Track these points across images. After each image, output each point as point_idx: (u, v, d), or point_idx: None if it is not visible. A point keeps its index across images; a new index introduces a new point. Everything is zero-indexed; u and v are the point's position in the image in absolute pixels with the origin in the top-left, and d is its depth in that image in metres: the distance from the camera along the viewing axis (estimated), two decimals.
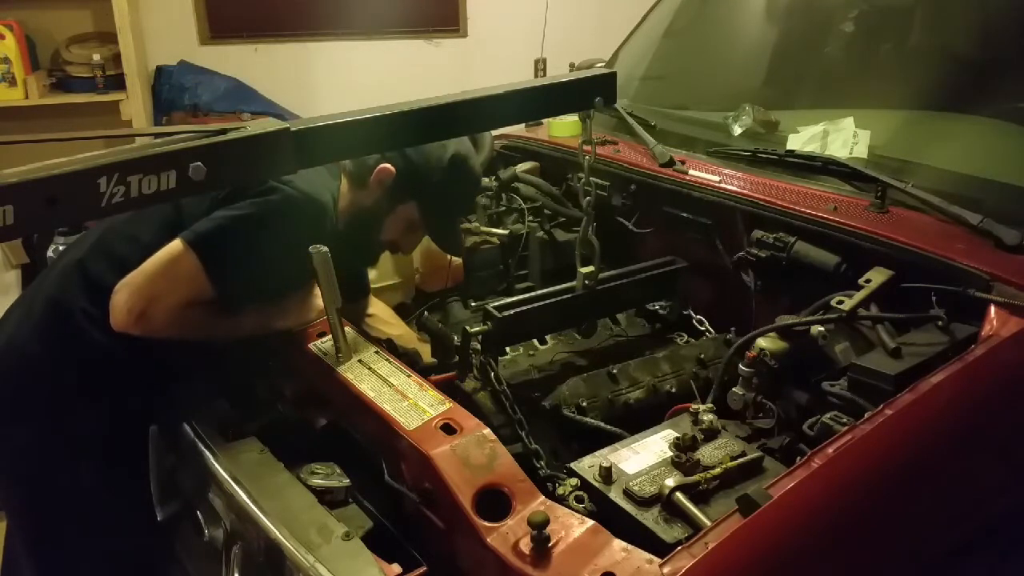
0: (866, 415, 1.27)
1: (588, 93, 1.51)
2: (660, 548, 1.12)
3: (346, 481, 1.39)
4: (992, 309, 1.42)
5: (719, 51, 2.59)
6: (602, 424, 1.57)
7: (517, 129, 2.57)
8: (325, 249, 1.46)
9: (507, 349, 1.74)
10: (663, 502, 1.22)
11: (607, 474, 1.28)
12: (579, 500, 1.26)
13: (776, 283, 1.81)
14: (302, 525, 1.28)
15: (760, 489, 1.12)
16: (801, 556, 1.12)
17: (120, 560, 1.75)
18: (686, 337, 1.90)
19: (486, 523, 1.17)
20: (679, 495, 1.21)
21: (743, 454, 1.31)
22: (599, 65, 2.57)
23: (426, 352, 1.87)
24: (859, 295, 1.53)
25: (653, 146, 2.14)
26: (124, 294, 1.52)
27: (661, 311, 1.95)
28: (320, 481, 1.39)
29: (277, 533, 1.28)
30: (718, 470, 1.26)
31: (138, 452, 1.70)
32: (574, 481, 1.30)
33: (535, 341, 1.79)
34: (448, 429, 1.32)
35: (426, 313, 2.06)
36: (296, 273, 1.59)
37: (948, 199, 1.65)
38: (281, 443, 1.51)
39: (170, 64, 4.01)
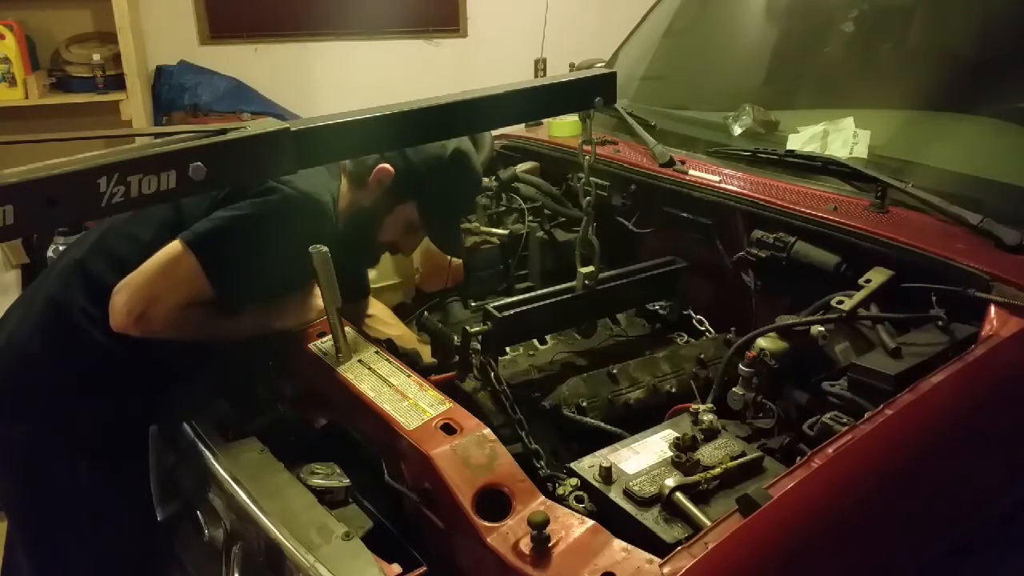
0: (866, 415, 1.27)
1: (588, 93, 1.51)
2: (660, 548, 1.12)
3: (346, 481, 1.39)
4: (992, 309, 1.42)
5: (719, 51, 2.59)
6: (602, 424, 1.57)
7: (517, 129, 2.57)
8: (325, 249, 1.46)
9: (507, 349, 1.74)
10: (663, 502, 1.22)
11: (607, 474, 1.28)
12: (579, 500, 1.26)
13: (776, 283, 1.81)
14: (302, 525, 1.28)
15: (760, 489, 1.12)
16: (801, 556, 1.12)
17: (120, 560, 1.75)
18: (686, 337, 1.90)
19: (486, 523, 1.17)
20: (679, 495, 1.21)
21: (743, 454, 1.31)
22: (599, 65, 2.57)
23: (425, 353, 1.87)
24: (859, 295, 1.53)
25: (653, 146, 2.14)
26: (123, 295, 1.52)
27: (661, 311, 1.95)
28: (320, 481, 1.39)
29: (277, 533, 1.28)
30: (718, 470, 1.26)
31: (138, 452, 1.70)
32: (574, 481, 1.30)
33: (535, 341, 1.79)
34: (448, 429, 1.32)
35: (426, 313, 2.06)
36: (296, 273, 1.59)
37: (948, 199, 1.65)
38: (281, 443, 1.51)
39: (170, 64, 4.01)
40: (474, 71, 4.39)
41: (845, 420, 1.33)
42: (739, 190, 1.88)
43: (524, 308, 1.66)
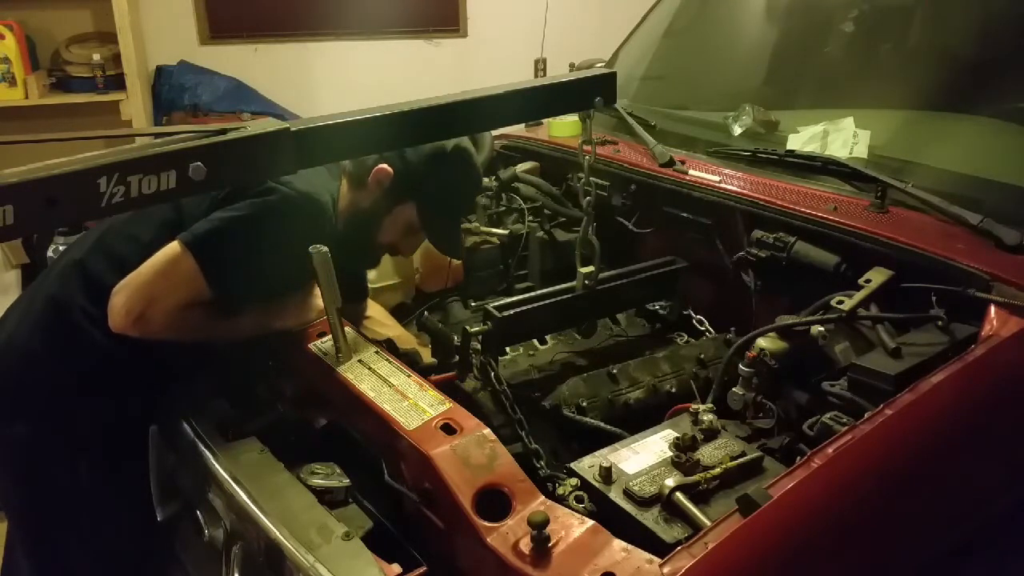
0: (866, 415, 1.27)
1: (588, 93, 1.51)
2: (660, 548, 1.12)
3: (346, 481, 1.39)
4: (992, 309, 1.42)
5: (719, 51, 2.59)
6: (602, 424, 1.57)
7: (517, 129, 2.57)
8: (325, 249, 1.46)
9: (507, 349, 1.74)
10: (663, 502, 1.22)
11: (607, 474, 1.28)
12: (579, 500, 1.26)
13: (776, 283, 1.81)
14: (302, 525, 1.28)
15: (760, 489, 1.12)
16: (801, 556, 1.12)
17: (120, 560, 1.75)
18: (686, 337, 1.90)
19: (486, 523, 1.17)
20: (679, 495, 1.21)
21: (743, 454, 1.31)
22: (599, 65, 2.57)
23: (423, 354, 1.87)
24: (859, 295, 1.53)
25: (653, 146, 2.14)
26: (122, 296, 1.52)
27: (661, 311, 1.95)
28: (320, 481, 1.39)
29: (277, 533, 1.28)
30: (718, 470, 1.26)
31: (138, 452, 1.70)
32: (574, 481, 1.30)
33: (535, 341, 1.79)
34: (448, 429, 1.32)
35: (426, 313, 2.06)
36: (295, 274, 1.59)
37: (948, 199, 1.65)
38: (281, 443, 1.51)
39: (170, 64, 4.01)
40: (474, 71, 4.39)
41: (845, 420, 1.33)
42: (739, 190, 1.88)
43: (524, 308, 1.66)
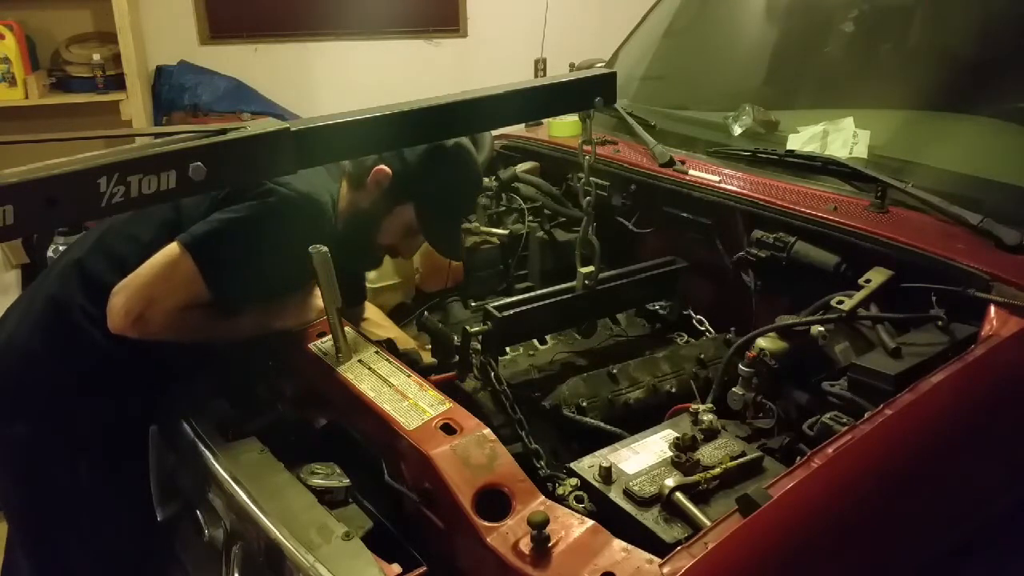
0: (866, 415, 1.27)
1: (588, 93, 1.51)
2: (660, 548, 1.12)
3: (346, 481, 1.39)
4: (992, 309, 1.42)
5: (719, 51, 2.59)
6: (602, 424, 1.57)
7: (517, 129, 2.57)
8: (325, 249, 1.46)
9: (507, 349, 1.74)
10: (663, 502, 1.22)
11: (607, 474, 1.28)
12: (579, 500, 1.26)
13: (776, 283, 1.81)
14: (302, 525, 1.28)
15: (760, 489, 1.12)
16: (801, 556, 1.12)
17: (120, 560, 1.75)
18: (686, 337, 1.90)
19: (486, 523, 1.17)
20: (679, 495, 1.21)
21: (743, 454, 1.31)
22: (599, 65, 2.57)
23: (422, 355, 1.87)
24: (859, 295, 1.53)
25: (653, 146, 2.14)
26: (121, 297, 1.51)
27: (661, 311, 1.95)
28: (320, 481, 1.39)
29: (277, 533, 1.28)
30: (718, 470, 1.26)
31: (138, 452, 1.70)
32: (574, 481, 1.30)
33: (535, 341, 1.79)
34: (448, 429, 1.32)
35: (426, 313, 2.06)
36: (294, 275, 1.59)
37: (948, 199, 1.65)
38: (281, 443, 1.51)
39: (170, 64, 4.01)
40: (474, 71, 4.39)
41: (845, 420, 1.33)
42: (739, 190, 1.88)
43: (524, 308, 1.66)
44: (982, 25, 2.07)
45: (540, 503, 1.21)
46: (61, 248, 1.88)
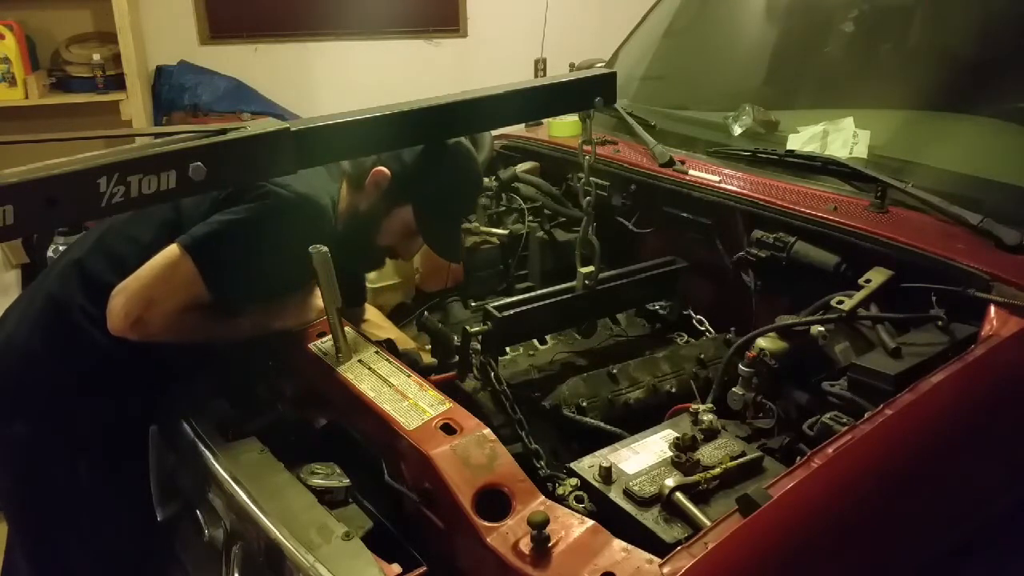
0: (866, 415, 1.27)
1: (588, 93, 1.51)
2: (660, 548, 1.12)
3: (346, 481, 1.39)
4: (992, 309, 1.42)
5: (719, 51, 2.59)
6: (602, 424, 1.57)
7: (517, 129, 2.57)
8: (325, 249, 1.46)
9: (507, 349, 1.74)
10: (663, 502, 1.22)
11: (607, 474, 1.28)
12: (579, 500, 1.26)
13: (776, 283, 1.81)
14: (302, 525, 1.28)
15: (760, 489, 1.12)
16: (801, 556, 1.12)
17: (120, 560, 1.75)
18: (686, 337, 1.90)
19: (486, 523, 1.17)
20: (679, 495, 1.21)
21: (743, 454, 1.31)
22: (599, 65, 2.57)
23: (422, 355, 1.87)
24: (859, 295, 1.53)
25: (653, 146, 2.14)
26: (121, 299, 1.51)
27: (661, 311, 1.95)
28: (320, 481, 1.39)
29: (277, 533, 1.28)
30: (718, 470, 1.26)
31: (138, 452, 1.70)
32: (574, 481, 1.30)
33: (535, 341, 1.79)
34: (448, 429, 1.32)
35: (426, 313, 2.06)
36: (294, 276, 1.59)
37: (948, 199, 1.65)
38: (281, 443, 1.51)
39: (170, 64, 4.01)
40: (474, 71, 4.39)
41: (845, 420, 1.33)
42: (739, 190, 1.88)
43: (524, 308, 1.66)
44: (982, 25, 2.07)
45: (540, 503, 1.21)
46: (61, 248, 1.88)
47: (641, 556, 1.08)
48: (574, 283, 1.71)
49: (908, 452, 1.25)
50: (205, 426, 1.56)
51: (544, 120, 2.47)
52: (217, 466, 1.47)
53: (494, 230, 2.21)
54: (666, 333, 1.91)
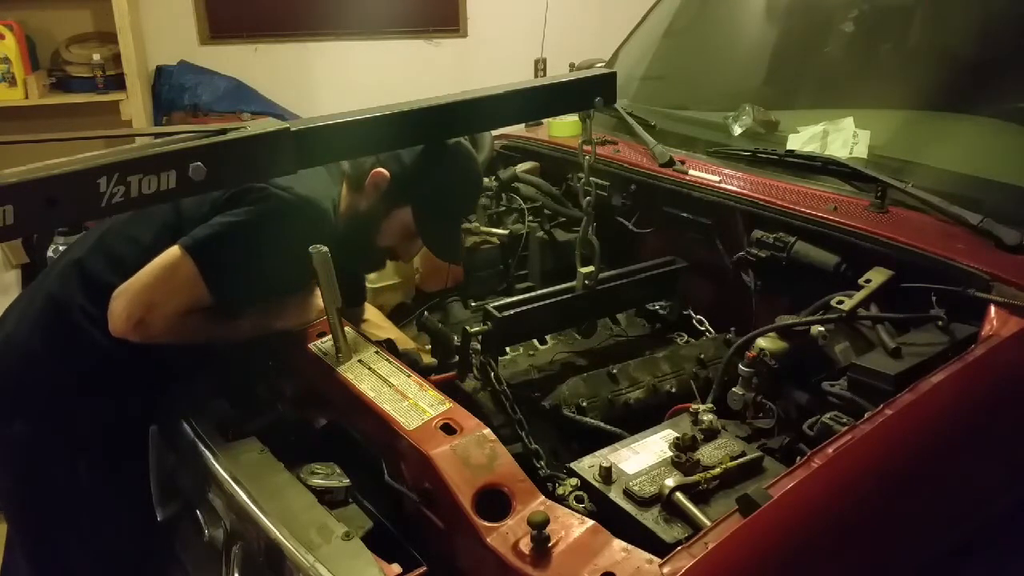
0: (866, 415, 1.27)
1: (588, 93, 1.51)
2: (660, 548, 1.12)
3: (346, 481, 1.39)
4: (992, 309, 1.42)
5: (719, 51, 2.59)
6: (602, 424, 1.57)
7: (517, 129, 2.57)
8: (325, 249, 1.46)
9: (507, 349, 1.74)
10: (663, 502, 1.22)
11: (607, 474, 1.28)
12: (579, 500, 1.26)
13: (776, 283, 1.81)
14: (302, 525, 1.28)
15: (760, 489, 1.12)
16: (801, 556, 1.12)
17: (120, 560, 1.75)
18: (686, 337, 1.90)
19: (486, 523, 1.17)
20: (679, 495, 1.21)
21: (743, 454, 1.31)
22: (599, 65, 2.57)
23: (422, 355, 1.87)
24: (859, 295, 1.53)
25: (653, 146, 2.14)
26: (122, 301, 1.51)
27: (661, 311, 1.95)
28: (320, 481, 1.39)
29: (277, 533, 1.28)
30: (718, 470, 1.26)
31: (138, 452, 1.70)
32: (574, 481, 1.30)
33: (535, 341, 1.79)
34: (448, 429, 1.32)
35: (426, 313, 2.06)
36: (295, 278, 1.59)
37: (948, 199, 1.65)
38: (281, 443, 1.51)
39: (170, 64, 4.01)
40: (474, 71, 4.39)
41: (845, 420, 1.33)
42: (739, 190, 1.88)
43: (524, 308, 1.66)
44: (982, 25, 2.07)
45: (540, 503, 1.21)
46: (61, 248, 1.88)
47: (641, 556, 1.08)
48: (574, 283, 1.71)
49: (908, 452, 1.25)
50: (205, 426, 1.56)
51: (544, 120, 2.47)
52: (217, 466, 1.47)
53: (494, 230, 2.21)
54: (666, 333, 1.91)
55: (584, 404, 1.60)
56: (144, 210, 1.62)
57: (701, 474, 1.25)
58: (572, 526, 1.14)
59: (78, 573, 1.77)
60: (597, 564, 1.08)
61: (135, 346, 1.54)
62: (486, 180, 2.23)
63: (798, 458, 1.23)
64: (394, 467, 1.36)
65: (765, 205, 1.80)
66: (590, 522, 1.16)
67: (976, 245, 1.56)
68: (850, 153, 1.92)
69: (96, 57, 3.55)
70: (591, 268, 1.69)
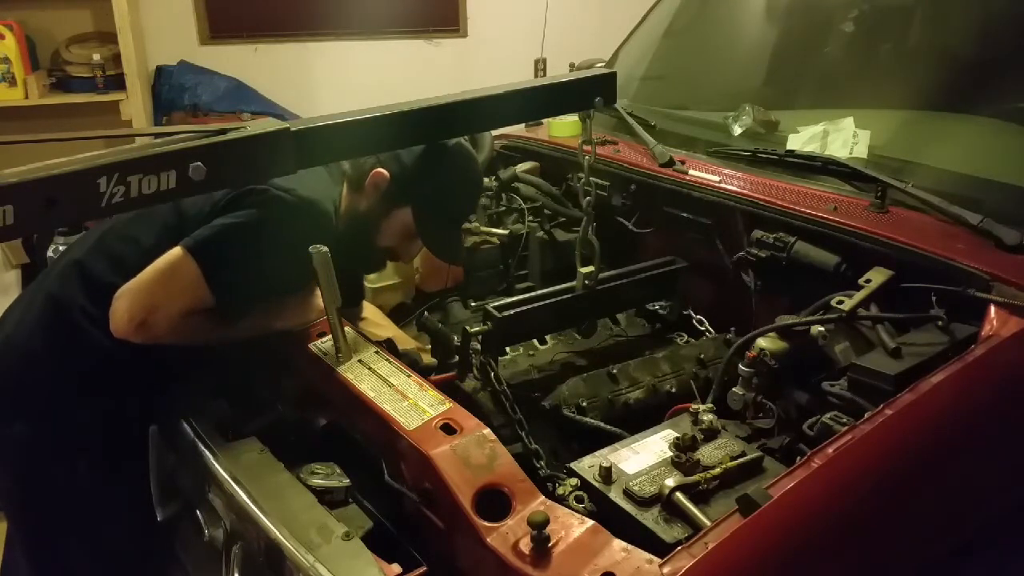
0: (866, 415, 1.27)
1: (588, 93, 1.51)
2: (660, 548, 1.12)
3: (346, 481, 1.39)
4: (992, 309, 1.42)
5: (719, 51, 2.59)
6: (602, 424, 1.57)
7: (517, 129, 2.57)
8: (325, 249, 1.46)
9: (507, 349, 1.74)
10: (663, 502, 1.22)
11: (607, 474, 1.28)
12: (579, 500, 1.26)
13: (776, 283, 1.81)
14: (302, 525, 1.28)
15: (760, 489, 1.12)
16: (801, 556, 1.12)
17: (120, 560, 1.75)
18: (686, 337, 1.90)
19: (486, 523, 1.17)
20: (679, 495, 1.21)
21: (743, 454, 1.31)
22: (599, 65, 2.57)
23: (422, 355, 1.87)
24: (859, 295, 1.53)
25: (653, 146, 2.14)
26: (124, 302, 1.51)
27: (661, 311, 1.95)
28: (320, 481, 1.39)
29: (277, 533, 1.28)
30: (718, 470, 1.26)
31: (138, 452, 1.70)
32: (574, 481, 1.30)
33: (535, 341, 1.79)
34: (448, 429, 1.32)
35: (426, 313, 2.06)
36: (296, 278, 1.59)
37: (948, 199, 1.65)
38: (281, 443, 1.51)
39: (170, 64, 4.01)
40: (474, 71, 4.39)
41: (845, 420, 1.33)
42: (739, 190, 1.88)
43: (524, 308, 1.66)
44: (982, 25, 2.06)
45: (540, 503, 1.21)
46: (61, 248, 1.88)
47: (641, 556, 1.08)
48: (574, 283, 1.71)
49: (908, 452, 1.25)
50: (205, 426, 1.56)
51: (544, 120, 2.47)
52: (217, 466, 1.47)
53: (494, 230, 2.21)
54: (666, 333, 1.91)
55: (584, 404, 1.60)
56: (145, 211, 1.62)
57: (701, 474, 1.25)
58: (572, 526, 1.14)
59: (78, 573, 1.77)
60: (597, 564, 1.08)
61: (136, 346, 1.54)
62: (486, 180, 2.23)
63: (798, 458, 1.23)
64: (394, 467, 1.36)
65: (765, 205, 1.80)
66: (590, 522, 1.16)
67: (976, 245, 1.56)
68: (850, 153, 1.92)
69: (96, 57, 3.55)
70: (591, 268, 1.69)
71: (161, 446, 1.70)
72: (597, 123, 1.79)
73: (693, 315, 1.97)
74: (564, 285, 1.73)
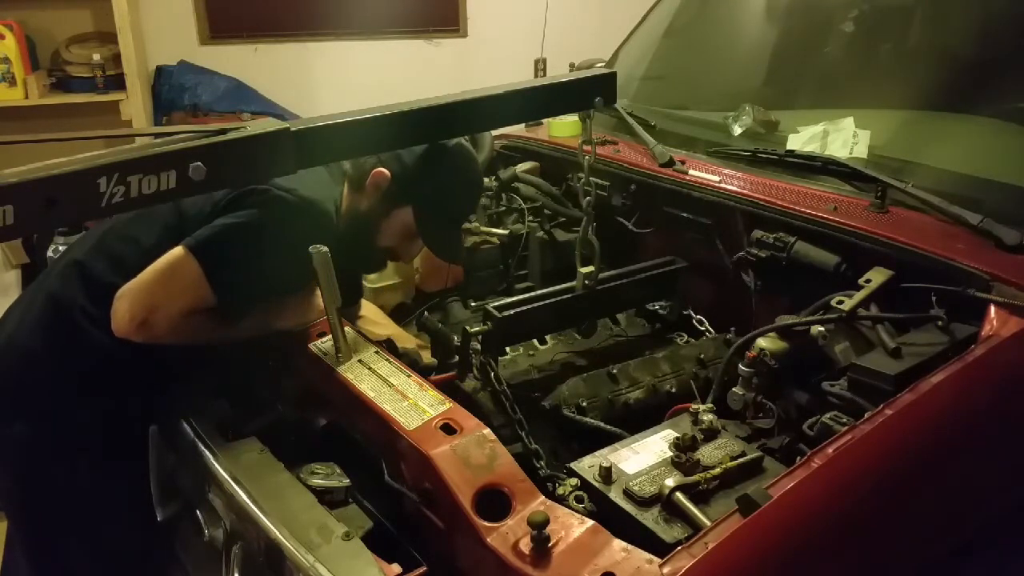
0: (866, 415, 1.27)
1: (588, 93, 1.51)
2: (660, 548, 1.12)
3: (346, 481, 1.39)
4: (992, 309, 1.42)
5: (719, 51, 2.59)
6: (602, 424, 1.57)
7: (517, 129, 2.57)
8: (325, 249, 1.46)
9: (507, 349, 1.74)
10: (663, 502, 1.22)
11: (607, 474, 1.28)
12: (579, 500, 1.26)
13: (776, 283, 1.81)
14: (302, 525, 1.28)
15: (760, 489, 1.12)
16: (801, 556, 1.12)
17: (120, 560, 1.75)
18: (686, 337, 1.90)
19: (486, 523, 1.17)
20: (679, 495, 1.21)
21: (743, 454, 1.31)
22: (599, 65, 2.57)
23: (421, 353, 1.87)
24: (859, 295, 1.53)
25: (653, 146, 2.14)
26: (125, 302, 1.51)
27: (661, 311, 1.95)
28: (320, 481, 1.39)
29: (277, 533, 1.28)
30: (718, 470, 1.26)
31: (138, 452, 1.70)
32: (574, 481, 1.30)
33: (535, 341, 1.79)
34: (448, 429, 1.32)
35: (426, 313, 2.06)
36: (297, 279, 1.59)
37: (948, 199, 1.65)
38: (281, 443, 1.51)
39: (170, 64, 4.01)
40: (474, 71, 4.39)
41: (845, 420, 1.33)
42: (739, 190, 1.88)
43: (524, 308, 1.66)
44: (982, 25, 2.06)
45: (540, 503, 1.21)
46: (61, 248, 1.88)
47: (641, 556, 1.08)
48: (574, 283, 1.71)
49: (908, 452, 1.25)
50: (205, 426, 1.56)
51: (544, 120, 2.47)
52: (217, 466, 1.47)
53: (494, 230, 2.21)
54: (666, 333, 1.91)
55: (584, 404, 1.60)
56: (145, 211, 1.62)
57: (701, 474, 1.25)
58: (572, 526, 1.14)
59: (78, 573, 1.77)
60: (597, 564, 1.08)
61: (136, 346, 1.54)
62: (486, 180, 2.23)
63: (798, 458, 1.23)
64: (394, 467, 1.36)
65: (765, 205, 1.80)
66: (590, 522, 1.16)
67: (976, 245, 1.56)
68: (850, 153, 1.92)
69: (96, 57, 3.55)
70: (591, 268, 1.69)
71: (161, 446, 1.70)
72: (597, 123, 1.79)
73: (693, 315, 1.97)
74: (564, 285, 1.73)
